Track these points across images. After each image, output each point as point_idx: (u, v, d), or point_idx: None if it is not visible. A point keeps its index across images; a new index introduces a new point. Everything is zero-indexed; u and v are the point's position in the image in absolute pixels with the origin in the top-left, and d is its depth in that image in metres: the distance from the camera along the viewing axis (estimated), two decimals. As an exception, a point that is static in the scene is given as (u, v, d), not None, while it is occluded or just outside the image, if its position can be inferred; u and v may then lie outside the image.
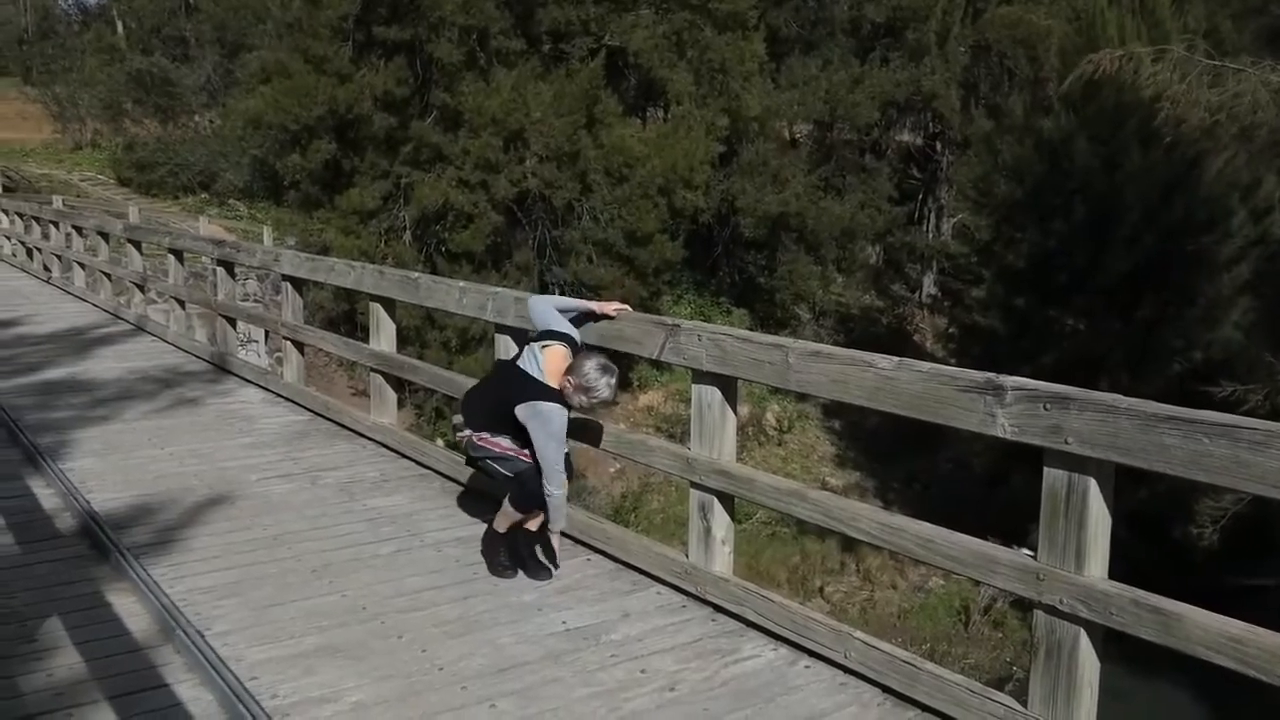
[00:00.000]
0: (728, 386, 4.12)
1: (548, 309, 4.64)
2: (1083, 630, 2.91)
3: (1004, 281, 19.79)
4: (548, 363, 4.35)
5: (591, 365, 4.24)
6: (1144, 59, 10.49)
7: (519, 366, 4.41)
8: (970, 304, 22.40)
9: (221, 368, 9.36)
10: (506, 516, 4.49)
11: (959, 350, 22.10)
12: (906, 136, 31.25)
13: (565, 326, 4.53)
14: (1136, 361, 16.69)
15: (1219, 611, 2.66)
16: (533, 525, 4.54)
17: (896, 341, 25.71)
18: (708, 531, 4.19)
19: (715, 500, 4.16)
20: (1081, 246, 17.43)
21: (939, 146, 30.03)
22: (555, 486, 4.32)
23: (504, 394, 4.40)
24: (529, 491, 4.38)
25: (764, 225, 25.53)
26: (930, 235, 29.87)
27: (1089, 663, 2.94)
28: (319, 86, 20.83)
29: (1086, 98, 17.16)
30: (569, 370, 4.28)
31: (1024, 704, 3.07)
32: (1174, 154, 16.70)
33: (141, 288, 12.99)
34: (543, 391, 4.29)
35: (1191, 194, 16.82)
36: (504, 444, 4.42)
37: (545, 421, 4.26)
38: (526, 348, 4.51)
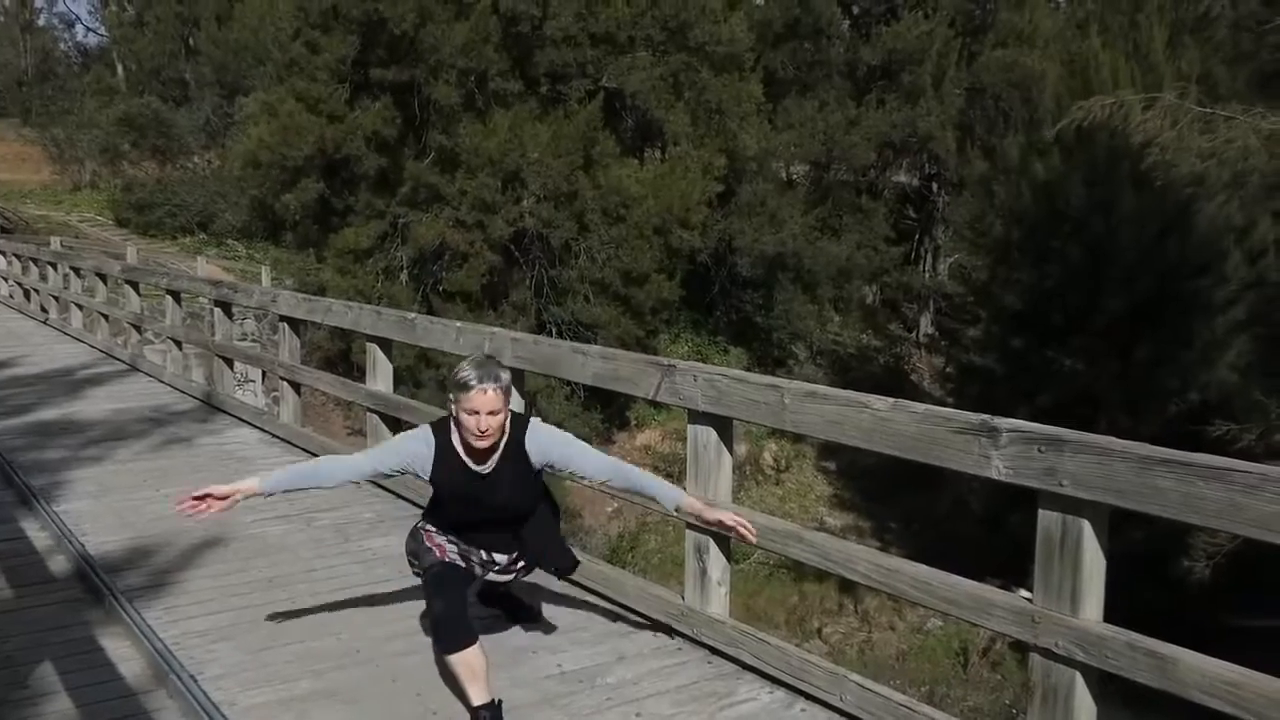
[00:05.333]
0: (723, 427, 4.12)
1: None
2: (1079, 673, 2.90)
3: (1001, 322, 19.84)
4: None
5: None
6: (1134, 106, 10.55)
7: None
8: (967, 344, 22.44)
9: (218, 408, 9.35)
10: (455, 672, 3.55)
11: (956, 390, 22.12)
12: (903, 177, 31.44)
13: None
14: (1133, 402, 16.70)
15: (1217, 652, 2.65)
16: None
17: (893, 381, 25.74)
18: (704, 573, 4.18)
19: (711, 541, 4.15)
20: (1077, 288, 17.50)
21: (935, 187, 30.20)
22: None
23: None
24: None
25: (761, 265, 25.65)
26: (927, 275, 29.97)
27: (1085, 706, 2.92)
28: (308, 126, 21.01)
29: (1080, 141, 17.29)
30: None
31: (1021, 748, 3.05)
32: (1167, 198, 16.79)
33: (139, 328, 13.00)
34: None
35: (1186, 237, 16.91)
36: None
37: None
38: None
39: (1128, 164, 16.27)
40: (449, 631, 3.56)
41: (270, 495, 3.92)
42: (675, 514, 3.88)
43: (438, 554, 3.75)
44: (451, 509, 3.82)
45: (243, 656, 4.08)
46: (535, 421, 3.85)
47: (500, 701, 3.46)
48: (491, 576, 3.94)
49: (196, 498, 3.69)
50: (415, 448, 3.75)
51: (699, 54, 23.39)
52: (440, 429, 3.75)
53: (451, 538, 3.83)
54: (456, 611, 3.60)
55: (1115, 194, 17.14)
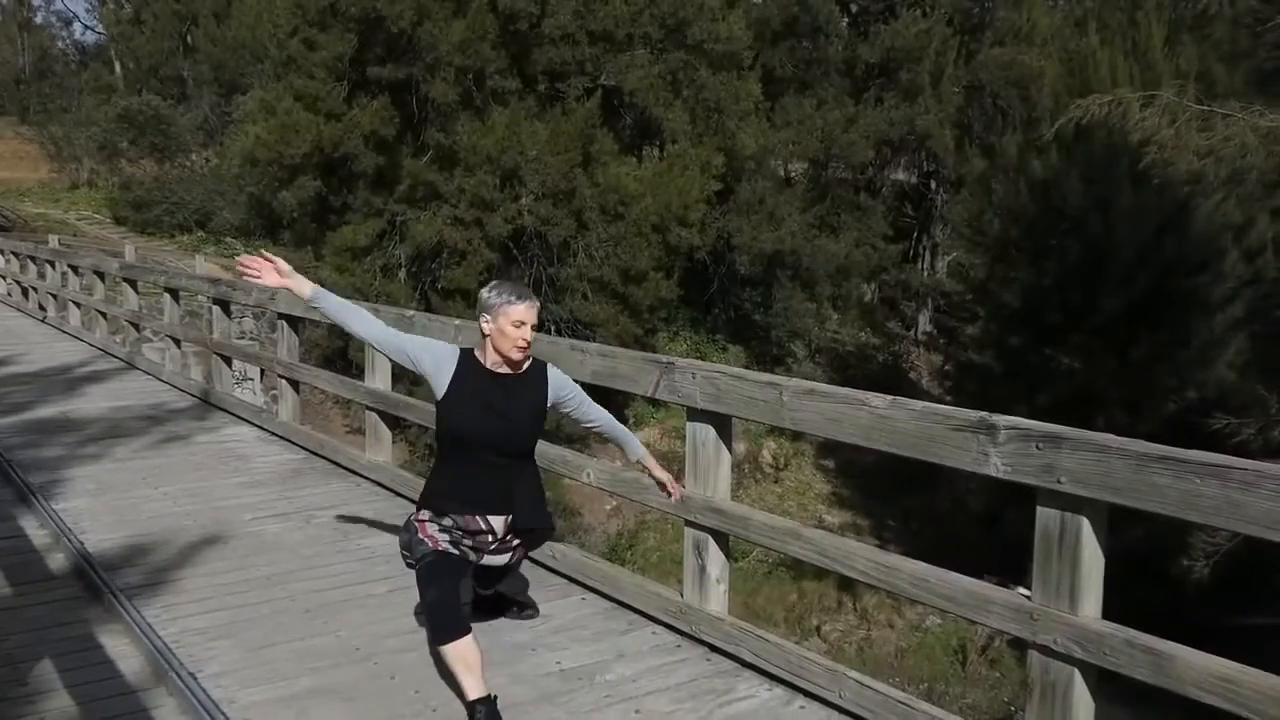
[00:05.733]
0: (722, 424, 4.12)
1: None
2: (1077, 671, 2.91)
3: (999, 320, 19.85)
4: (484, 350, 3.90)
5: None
6: (1132, 104, 10.56)
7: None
8: (965, 342, 22.46)
9: (216, 406, 9.35)
10: (449, 665, 3.57)
11: (955, 388, 22.13)
12: (901, 175, 31.44)
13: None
14: (1132, 400, 16.71)
15: (1215, 650, 2.66)
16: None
17: (892, 379, 25.74)
18: (702, 570, 4.19)
19: (710, 539, 4.16)
20: (1076, 285, 17.52)
21: (933, 185, 30.21)
22: None
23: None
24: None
25: (760, 263, 25.65)
26: (925, 273, 29.97)
27: (1083, 703, 2.93)
28: (306, 124, 21.00)
29: (1078, 139, 17.30)
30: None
31: (1020, 745, 3.06)
32: (1165, 195, 16.81)
33: (137, 326, 13.00)
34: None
35: (1184, 234, 16.92)
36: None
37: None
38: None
39: (1126, 162, 16.29)
40: (442, 621, 3.57)
41: (311, 304, 4.00)
42: (634, 462, 4.27)
43: (430, 545, 3.74)
44: (463, 425, 3.79)
45: (242, 654, 4.09)
46: (551, 366, 4.07)
47: (495, 696, 3.46)
48: (487, 559, 3.90)
49: (257, 263, 3.91)
50: (443, 349, 3.92)
51: (697, 52, 23.38)
52: (465, 351, 3.91)
53: (445, 524, 3.80)
54: (450, 601, 3.61)
55: (1113, 192, 17.15)
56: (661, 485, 4.20)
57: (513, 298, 3.76)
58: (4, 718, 3.56)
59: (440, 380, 3.83)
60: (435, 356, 3.87)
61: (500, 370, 3.83)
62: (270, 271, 3.89)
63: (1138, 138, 11.11)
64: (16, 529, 5.78)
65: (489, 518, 3.82)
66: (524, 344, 3.77)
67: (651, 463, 4.22)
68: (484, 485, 3.80)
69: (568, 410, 4.01)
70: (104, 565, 5.04)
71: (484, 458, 3.79)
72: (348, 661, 4.04)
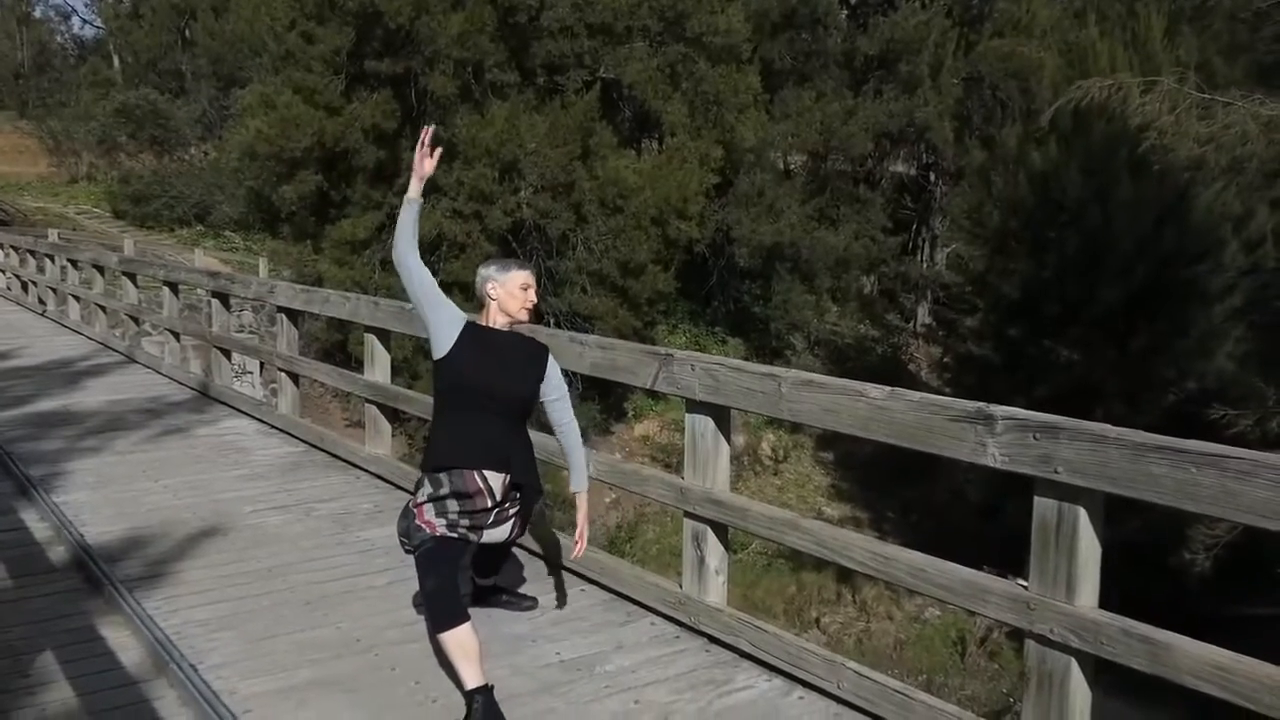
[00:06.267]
0: (721, 416, 4.13)
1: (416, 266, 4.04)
2: (1074, 660, 2.92)
3: (998, 311, 19.86)
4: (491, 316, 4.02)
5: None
6: (1133, 89, 10.57)
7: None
8: (964, 334, 22.45)
9: (215, 399, 9.37)
10: (449, 653, 3.58)
11: (954, 380, 22.14)
12: (900, 167, 31.43)
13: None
14: (1131, 392, 16.73)
15: (1212, 640, 2.67)
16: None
17: (891, 371, 25.76)
18: (701, 561, 4.20)
19: (709, 530, 4.17)
20: (1075, 277, 17.53)
21: (933, 177, 30.19)
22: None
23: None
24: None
25: (759, 255, 25.63)
26: (924, 265, 29.97)
27: (1080, 692, 2.94)
28: (307, 118, 20.97)
29: (1077, 130, 17.30)
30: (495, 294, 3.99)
31: (1017, 734, 3.07)
32: (1165, 186, 16.82)
33: (137, 320, 13.01)
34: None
35: (1183, 225, 16.93)
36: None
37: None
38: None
39: (1125, 152, 16.30)
40: (441, 609, 3.59)
41: (409, 202, 4.06)
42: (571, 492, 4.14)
43: (429, 531, 3.74)
44: (464, 370, 3.84)
45: (242, 646, 4.10)
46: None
47: (492, 686, 3.47)
48: (487, 535, 3.89)
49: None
50: (457, 310, 3.98)
51: (696, 44, 23.34)
52: (471, 319, 4.01)
53: (444, 498, 3.77)
54: (448, 588, 3.62)
55: (1112, 183, 17.16)
56: (579, 534, 4.03)
57: (515, 265, 4.02)
58: (6, 709, 3.58)
59: (449, 332, 3.88)
60: (451, 310, 3.96)
61: (504, 330, 3.98)
62: (428, 162, 4.04)
63: (1138, 122, 11.11)
64: (17, 521, 5.79)
65: (486, 474, 3.79)
66: (531, 304, 3.99)
67: (583, 502, 4.08)
68: (482, 436, 3.81)
69: (547, 400, 4.03)
70: (104, 557, 5.05)
71: (483, 405, 3.83)
72: (348, 653, 4.06)
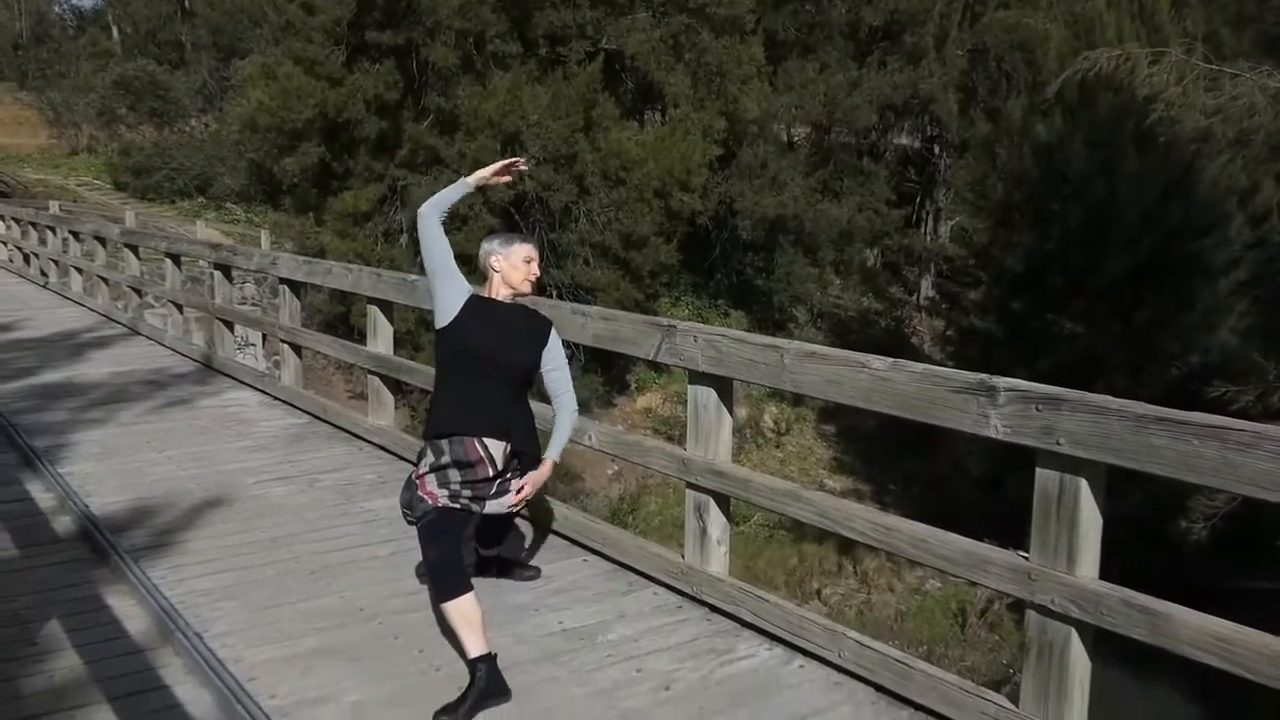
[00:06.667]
0: (723, 387, 4.14)
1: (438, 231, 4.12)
2: (1074, 630, 2.93)
3: (1001, 284, 19.81)
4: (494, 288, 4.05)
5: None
6: (1141, 60, 10.50)
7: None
8: (968, 307, 22.43)
9: (219, 371, 9.38)
10: (452, 622, 3.60)
11: (956, 353, 22.13)
12: (904, 139, 31.30)
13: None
14: (1134, 365, 16.72)
15: (1216, 613, 2.68)
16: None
17: (894, 344, 25.74)
18: (703, 532, 4.21)
19: (711, 501, 4.18)
20: (1079, 250, 17.47)
21: (937, 149, 30.09)
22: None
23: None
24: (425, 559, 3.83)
25: (762, 228, 25.59)
26: (928, 238, 29.91)
27: (1080, 662, 2.96)
28: (309, 90, 20.89)
29: (1083, 102, 17.21)
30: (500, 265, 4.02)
31: (1016, 703, 3.09)
32: (1170, 159, 16.73)
33: (139, 292, 13.01)
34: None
35: (1189, 198, 16.86)
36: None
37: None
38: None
39: (1131, 125, 16.22)
40: (444, 578, 3.60)
41: (465, 186, 4.18)
42: (553, 457, 4.01)
43: (431, 501, 3.75)
44: (468, 337, 3.87)
45: (247, 615, 4.13)
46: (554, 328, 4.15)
47: (495, 655, 3.49)
48: (490, 506, 3.90)
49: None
50: (464, 283, 3.99)
51: (699, 15, 23.21)
52: (475, 290, 4.03)
53: (445, 467, 3.78)
54: (452, 559, 3.64)
55: (1118, 155, 17.08)
56: (521, 487, 3.92)
57: (518, 239, 4.08)
58: (14, 676, 3.61)
59: (454, 301, 3.91)
60: (461, 282, 3.98)
61: (508, 301, 4.00)
62: (500, 177, 4.19)
63: (1145, 93, 11.05)
64: (22, 492, 5.82)
65: (487, 442, 3.81)
66: (534, 278, 4.03)
67: (545, 470, 3.97)
68: (483, 404, 3.82)
69: (546, 370, 4.02)
70: (109, 528, 5.07)
71: (485, 373, 3.85)
72: (352, 622, 4.08)
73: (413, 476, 3.89)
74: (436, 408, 3.92)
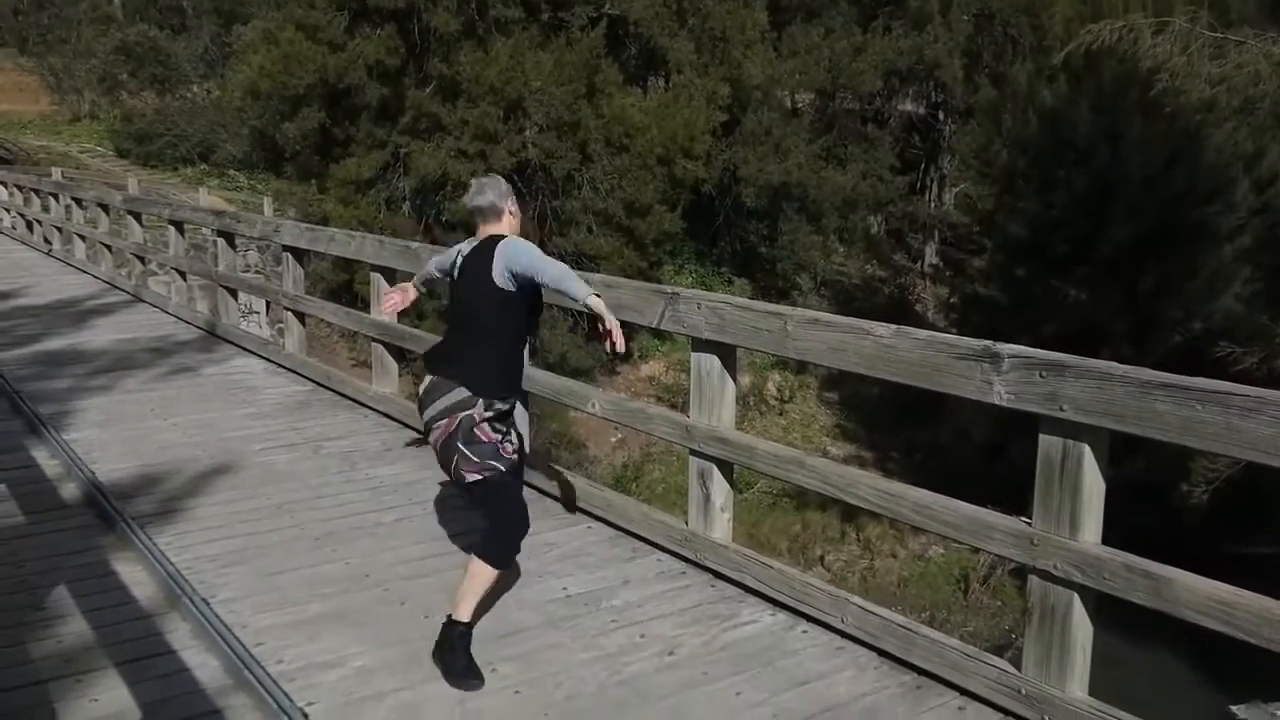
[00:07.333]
0: (727, 355, 4.14)
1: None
2: (1076, 595, 2.95)
3: (1006, 251, 19.74)
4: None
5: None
6: (1144, 30, 10.40)
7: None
8: (972, 274, 22.35)
9: (223, 338, 9.39)
10: (477, 587, 3.53)
11: (960, 320, 22.08)
12: (909, 106, 31.06)
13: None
14: (1138, 332, 16.69)
15: (1217, 579, 2.69)
16: None
17: (898, 311, 25.68)
18: (707, 499, 4.23)
19: (714, 467, 4.20)
20: (1083, 217, 17.39)
21: (941, 116, 29.87)
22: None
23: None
24: (509, 516, 3.66)
25: (765, 195, 25.46)
26: (932, 205, 29.77)
27: (1082, 627, 2.98)
28: (310, 55, 20.77)
29: (1088, 68, 17.07)
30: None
31: (1018, 667, 3.11)
32: (1176, 125, 16.62)
33: (142, 259, 13.00)
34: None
35: (1193, 164, 16.75)
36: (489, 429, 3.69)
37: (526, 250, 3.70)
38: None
39: (1136, 91, 16.09)
40: (516, 545, 3.64)
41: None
42: (584, 308, 3.63)
43: (505, 454, 3.66)
44: (452, 293, 3.96)
45: (253, 580, 4.16)
46: (511, 237, 3.79)
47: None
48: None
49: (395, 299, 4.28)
50: (447, 254, 4.07)
51: (702, -20, 23.04)
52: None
53: (498, 425, 3.66)
54: (525, 528, 3.69)
55: (1123, 122, 16.97)
56: (606, 329, 3.60)
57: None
58: (23, 640, 3.64)
59: (456, 262, 3.92)
60: (454, 249, 4.01)
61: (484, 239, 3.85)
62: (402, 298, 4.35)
63: (1149, 65, 10.96)
64: (28, 459, 5.84)
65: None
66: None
67: (597, 304, 3.60)
68: (455, 351, 3.84)
69: (531, 276, 3.61)
70: (116, 494, 5.10)
71: (457, 322, 3.92)
72: (357, 588, 4.11)
73: (471, 427, 3.62)
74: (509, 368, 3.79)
